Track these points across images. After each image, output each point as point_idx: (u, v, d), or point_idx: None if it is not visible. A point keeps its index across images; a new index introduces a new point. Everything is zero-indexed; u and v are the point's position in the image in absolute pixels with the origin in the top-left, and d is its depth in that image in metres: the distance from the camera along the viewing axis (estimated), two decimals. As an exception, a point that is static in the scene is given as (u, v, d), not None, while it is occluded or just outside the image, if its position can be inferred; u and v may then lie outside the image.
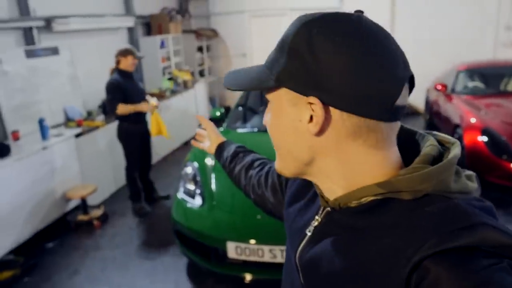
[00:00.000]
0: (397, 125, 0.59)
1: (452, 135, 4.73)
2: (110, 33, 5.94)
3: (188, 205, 3.14)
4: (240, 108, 4.48)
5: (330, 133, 0.57)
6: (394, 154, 0.60)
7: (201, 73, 7.99)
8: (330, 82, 0.54)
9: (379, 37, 0.55)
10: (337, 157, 0.60)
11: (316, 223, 0.67)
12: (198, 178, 3.27)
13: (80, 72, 4.99)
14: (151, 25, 6.90)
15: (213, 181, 3.20)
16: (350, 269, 0.57)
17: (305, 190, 0.78)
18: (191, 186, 3.26)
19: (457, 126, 4.67)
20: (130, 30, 6.43)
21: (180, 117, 6.48)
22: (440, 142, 0.63)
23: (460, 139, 4.42)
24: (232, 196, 3.09)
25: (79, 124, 4.47)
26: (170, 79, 6.78)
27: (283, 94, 0.60)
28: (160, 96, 6.10)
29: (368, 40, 0.54)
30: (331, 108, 0.56)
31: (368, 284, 0.54)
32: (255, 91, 0.65)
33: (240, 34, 8.15)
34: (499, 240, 0.49)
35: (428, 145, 0.60)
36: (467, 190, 0.57)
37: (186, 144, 6.55)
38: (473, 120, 4.43)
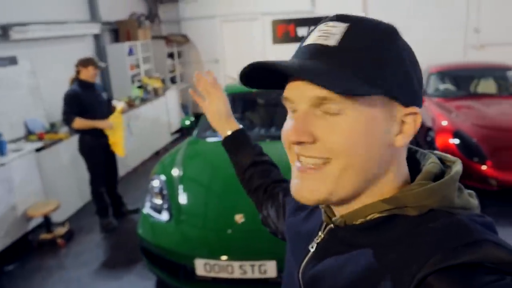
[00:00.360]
0: None
1: (425, 138, 4.81)
2: (74, 41, 5.72)
3: (155, 220, 2.99)
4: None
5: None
6: (405, 161, 0.62)
7: (173, 80, 7.82)
8: (419, 89, 0.57)
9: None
10: (394, 168, 0.59)
11: (319, 240, 0.66)
12: (165, 192, 3.13)
13: (43, 82, 4.77)
14: (119, 32, 6.70)
15: (181, 194, 3.06)
16: (354, 286, 0.56)
17: None
18: (158, 201, 3.11)
19: (429, 129, 4.66)
20: (97, 37, 6.22)
21: (151, 126, 6.30)
22: (441, 161, 0.63)
23: (432, 142, 4.41)
24: (201, 209, 2.97)
25: (40, 137, 4.25)
26: (139, 87, 6.59)
27: (377, 105, 0.55)
28: (130, 105, 5.91)
29: (400, 37, 0.58)
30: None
31: None
32: (342, 94, 0.54)
33: (211, 39, 8.03)
34: (501, 256, 0.48)
35: (430, 163, 0.60)
36: (469, 206, 0.57)
37: (157, 154, 6.37)
38: (444, 123, 4.43)
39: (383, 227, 0.57)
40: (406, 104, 0.56)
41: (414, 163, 0.64)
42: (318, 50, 0.56)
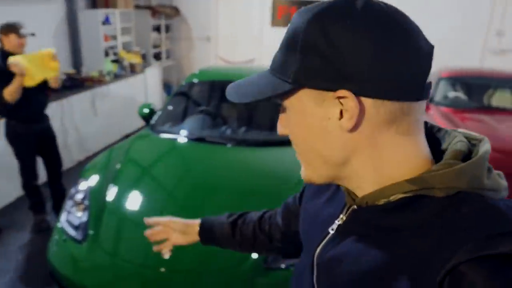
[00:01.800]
0: (424, 104, 0.57)
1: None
2: (40, 2, 4.99)
3: (67, 239, 2.33)
4: (180, 102, 3.64)
5: (364, 126, 0.55)
6: (424, 142, 0.58)
7: (157, 56, 7.08)
8: (358, 71, 0.52)
9: (391, 14, 0.53)
10: (370, 152, 0.57)
11: (340, 222, 0.65)
12: (87, 203, 2.47)
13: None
14: (96, -4, 5.95)
15: (107, 208, 2.40)
16: (377, 271, 0.54)
17: (327, 185, 0.75)
18: (78, 213, 2.46)
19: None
20: (69, 0, 5.47)
21: (122, 106, 5.62)
22: (467, 139, 0.61)
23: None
24: (129, 233, 2.30)
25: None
26: (114, 61, 5.88)
27: (303, 96, 0.57)
28: (98, 81, 5.23)
29: (382, 19, 0.53)
30: (363, 98, 0.53)
31: (397, 286, 0.52)
32: (268, 100, 0.58)
33: (205, 14, 7.25)
34: None
35: (458, 141, 0.59)
36: (499, 188, 0.55)
37: (128, 137, 5.70)
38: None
39: (408, 208, 0.55)
40: (330, 89, 0.54)
41: (435, 141, 0.62)
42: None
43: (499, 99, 4.65)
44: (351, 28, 0.51)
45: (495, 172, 0.58)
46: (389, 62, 0.51)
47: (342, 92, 0.52)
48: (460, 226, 0.50)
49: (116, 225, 2.36)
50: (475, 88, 4.77)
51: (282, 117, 0.63)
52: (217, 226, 1.08)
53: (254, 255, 2.09)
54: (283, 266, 2.10)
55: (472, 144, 0.60)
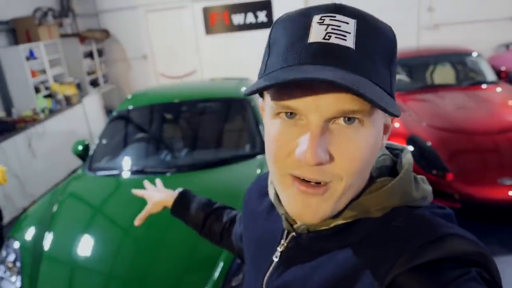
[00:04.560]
0: None
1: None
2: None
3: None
4: (114, 133, 3.42)
5: None
6: None
7: (94, 83, 6.77)
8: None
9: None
10: None
11: (282, 248, 0.64)
12: (19, 265, 2.24)
13: None
14: (16, 32, 5.59)
15: (42, 272, 2.17)
16: None
17: (258, 202, 0.76)
18: (12, 278, 2.23)
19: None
20: (-14, 40, 5.12)
21: (64, 142, 5.30)
22: (390, 150, 0.64)
23: (383, 148, 3.70)
24: (75, 280, 2.11)
25: None
26: (47, 96, 5.55)
27: (381, 115, 0.54)
28: (32, 120, 4.92)
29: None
30: None
31: None
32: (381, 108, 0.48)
33: (136, 33, 7.00)
34: (464, 248, 0.50)
35: (381, 156, 0.61)
36: (426, 194, 0.58)
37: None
38: (397, 125, 3.71)
39: (348, 231, 0.57)
40: (398, 114, 0.51)
41: None
42: (337, 53, 0.49)
43: (441, 75, 4.70)
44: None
45: (419, 177, 0.60)
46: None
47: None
48: (392, 241, 0.52)
49: (56, 275, 2.14)
50: (415, 68, 4.80)
51: (326, 140, 0.50)
52: (192, 209, 1.06)
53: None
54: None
55: (395, 154, 0.63)
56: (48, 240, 2.30)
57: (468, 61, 4.72)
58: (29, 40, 5.56)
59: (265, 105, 0.58)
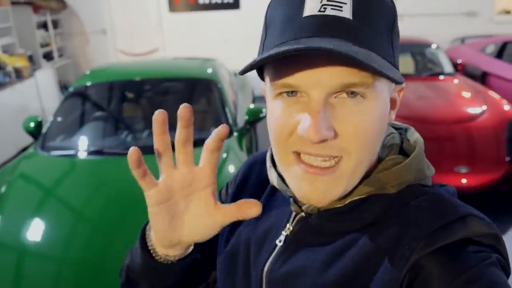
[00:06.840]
0: None
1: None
2: None
3: None
4: (71, 110, 3.21)
5: None
6: None
7: (48, 56, 6.40)
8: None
9: None
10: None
11: (288, 232, 0.60)
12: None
13: None
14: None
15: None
16: (342, 277, 0.52)
17: (258, 191, 0.68)
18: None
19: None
20: None
21: (13, 117, 4.99)
22: (394, 129, 0.63)
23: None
24: (27, 267, 1.97)
25: None
26: (-4, 67, 5.19)
27: (386, 86, 0.52)
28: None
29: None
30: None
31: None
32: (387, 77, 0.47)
33: (96, 5, 6.67)
34: (483, 230, 0.50)
35: (389, 134, 0.60)
36: (432, 173, 0.58)
37: (25, 151, 5.12)
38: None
39: (362, 207, 0.55)
40: (401, 80, 0.51)
41: None
42: (334, 24, 0.47)
43: (401, 65, 4.78)
44: None
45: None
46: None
47: (403, 84, 0.54)
48: (413, 222, 0.51)
49: (3, 261, 1.99)
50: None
51: (328, 115, 0.48)
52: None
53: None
54: None
55: (399, 133, 0.62)
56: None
57: (428, 52, 4.86)
58: (-24, 6, 5.15)
59: (266, 89, 0.56)
